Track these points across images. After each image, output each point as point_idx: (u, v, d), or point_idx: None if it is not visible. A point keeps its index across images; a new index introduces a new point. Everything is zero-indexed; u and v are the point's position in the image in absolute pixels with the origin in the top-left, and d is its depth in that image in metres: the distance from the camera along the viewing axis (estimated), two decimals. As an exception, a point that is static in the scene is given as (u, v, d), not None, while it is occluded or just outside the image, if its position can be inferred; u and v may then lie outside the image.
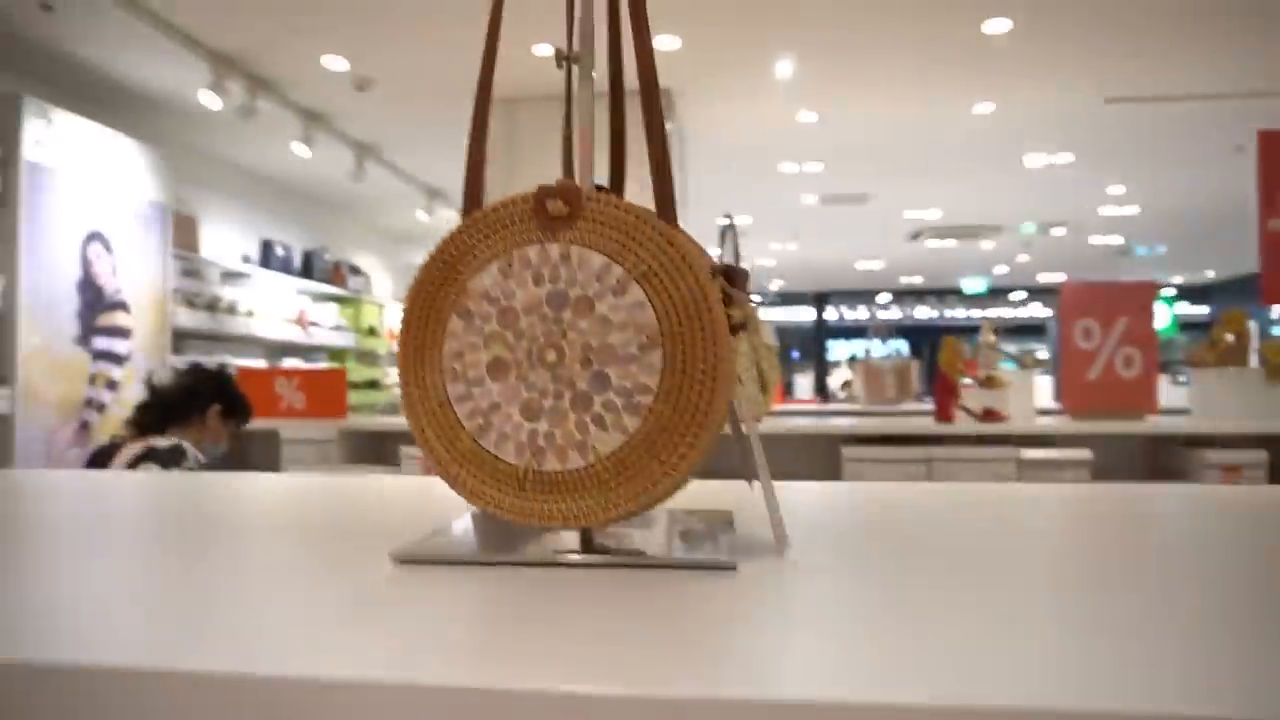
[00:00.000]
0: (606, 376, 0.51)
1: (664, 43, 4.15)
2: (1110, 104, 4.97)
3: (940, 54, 4.36)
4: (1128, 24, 4.03)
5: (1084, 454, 2.50)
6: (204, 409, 2.26)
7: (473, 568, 0.50)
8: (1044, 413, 3.24)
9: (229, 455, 2.42)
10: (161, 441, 2.12)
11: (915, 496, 0.82)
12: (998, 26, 4.01)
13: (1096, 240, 9.94)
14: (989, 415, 2.68)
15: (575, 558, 0.52)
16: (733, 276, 0.52)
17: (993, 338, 2.93)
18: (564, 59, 0.63)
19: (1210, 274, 13.27)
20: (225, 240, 6.17)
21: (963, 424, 2.68)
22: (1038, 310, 16.24)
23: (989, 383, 2.74)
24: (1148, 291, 2.87)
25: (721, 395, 0.49)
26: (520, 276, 0.52)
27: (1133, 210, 8.27)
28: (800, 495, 0.82)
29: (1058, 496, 0.83)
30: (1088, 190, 7.41)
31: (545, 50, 4.26)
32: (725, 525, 0.61)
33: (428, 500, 0.81)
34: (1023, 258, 11.38)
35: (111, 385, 4.31)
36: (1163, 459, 2.73)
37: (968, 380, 2.86)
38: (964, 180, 7.02)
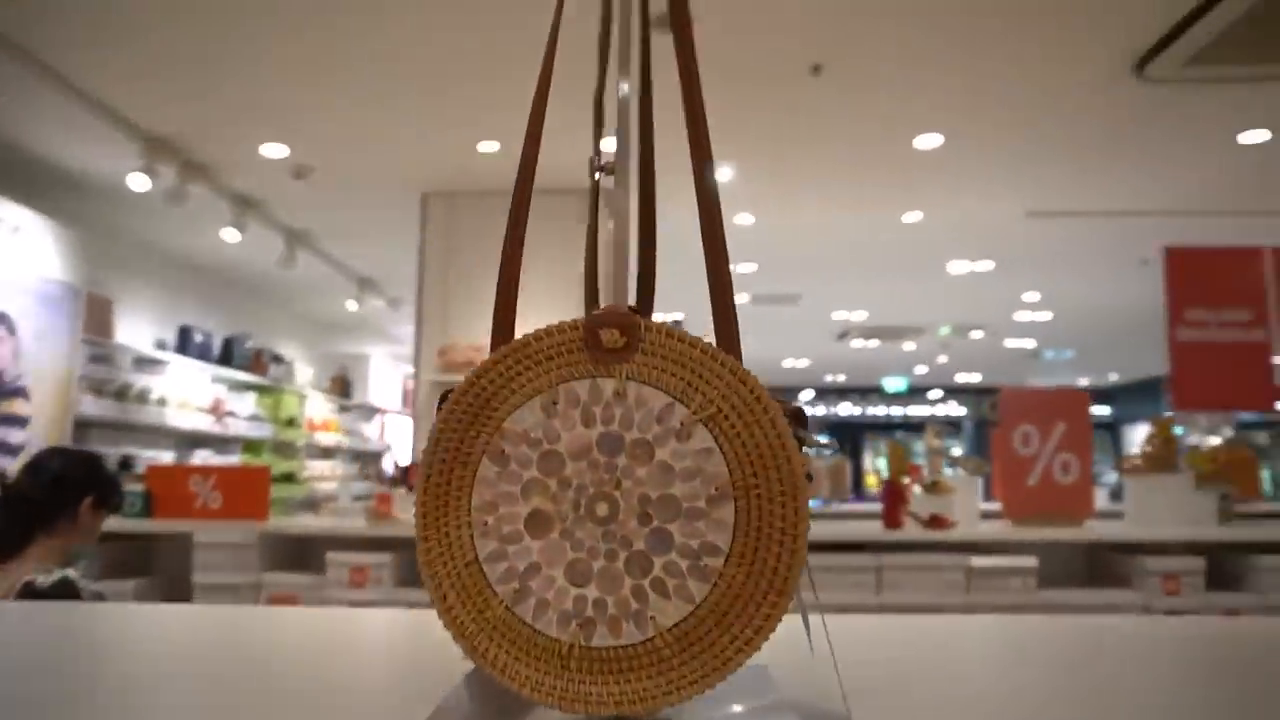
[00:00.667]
0: (669, 534, 0.43)
1: (604, 144, 4.21)
2: (1030, 217, 5.24)
3: (874, 165, 4.54)
4: (1049, 143, 4.28)
5: (1030, 561, 2.50)
6: (76, 503, 1.81)
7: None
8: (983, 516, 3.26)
9: (132, 562, 2.21)
10: (42, 577, 1.65)
11: (946, 630, 0.76)
12: (929, 142, 4.21)
13: (1011, 343, 10.36)
14: (935, 522, 2.67)
15: None
16: (802, 419, 0.47)
17: (937, 441, 2.95)
18: (599, 169, 0.58)
19: (1114, 377, 13.93)
20: (142, 325, 5.90)
21: (910, 531, 2.66)
22: (954, 409, 16.75)
23: (935, 488, 2.74)
24: (1082, 399, 2.95)
25: (801, 558, 0.43)
26: (567, 416, 0.45)
27: (1046, 316, 8.67)
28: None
29: (1099, 629, 0.78)
30: (1005, 296, 7.75)
31: (489, 146, 4.28)
32: (763, 680, 0.53)
33: (398, 646, 0.71)
34: (941, 358, 11.78)
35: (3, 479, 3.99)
36: (1103, 565, 2.75)
37: (907, 481, 2.86)
38: (890, 283, 7.26)
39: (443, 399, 0.47)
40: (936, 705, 0.56)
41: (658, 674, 0.43)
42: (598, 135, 0.59)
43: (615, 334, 0.45)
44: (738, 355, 0.46)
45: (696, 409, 0.44)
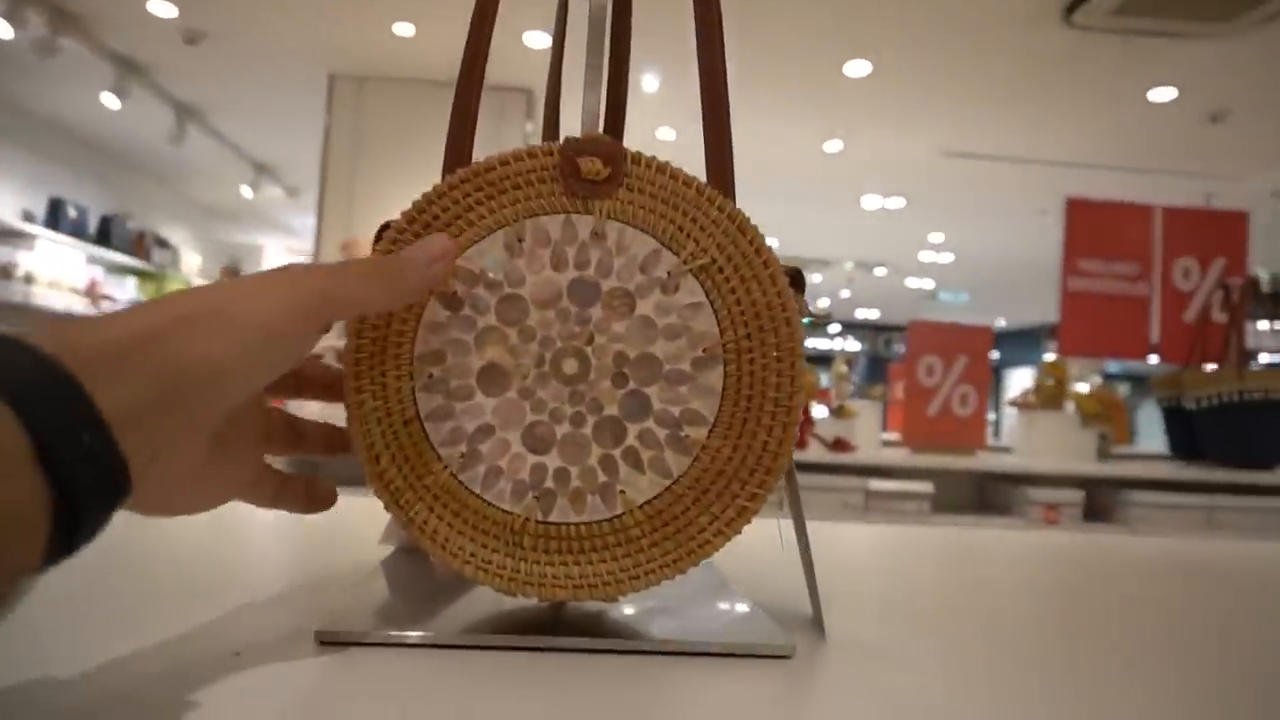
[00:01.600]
0: (646, 399, 0.38)
1: (532, 39, 4.00)
2: (946, 156, 5.30)
3: (803, 88, 4.48)
4: (971, 82, 4.30)
5: (926, 487, 2.59)
6: None
7: (428, 651, 0.35)
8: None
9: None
10: None
11: (916, 543, 0.74)
12: (858, 69, 4.16)
13: (912, 282, 10.66)
14: (839, 445, 2.72)
15: (575, 641, 0.37)
16: (799, 281, 0.41)
17: (844, 368, 2.99)
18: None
19: (1002, 322, 14.60)
20: (5, 194, 5.38)
21: (813, 452, 2.70)
22: (851, 344, 17.27)
23: (841, 412, 2.79)
24: (985, 336, 3.03)
25: (792, 433, 0.38)
26: (534, 256, 0.38)
27: (948, 257, 8.93)
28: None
29: (1047, 545, 0.78)
30: (912, 235, 7.91)
31: (405, 29, 4.01)
32: (719, 585, 0.48)
33: (296, 531, 0.64)
34: (844, 293, 12.04)
35: None
36: (990, 494, 2.88)
37: (819, 408, 2.90)
38: (805, 213, 7.30)
39: (381, 231, 0.39)
40: (910, 608, 0.53)
41: (624, 555, 0.37)
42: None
43: (597, 163, 0.38)
44: (732, 195, 0.40)
45: (687, 258, 0.38)
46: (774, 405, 0.37)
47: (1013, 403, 3.09)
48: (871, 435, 2.92)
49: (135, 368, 0.26)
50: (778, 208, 7.20)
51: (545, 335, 0.38)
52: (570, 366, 0.38)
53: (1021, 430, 3.09)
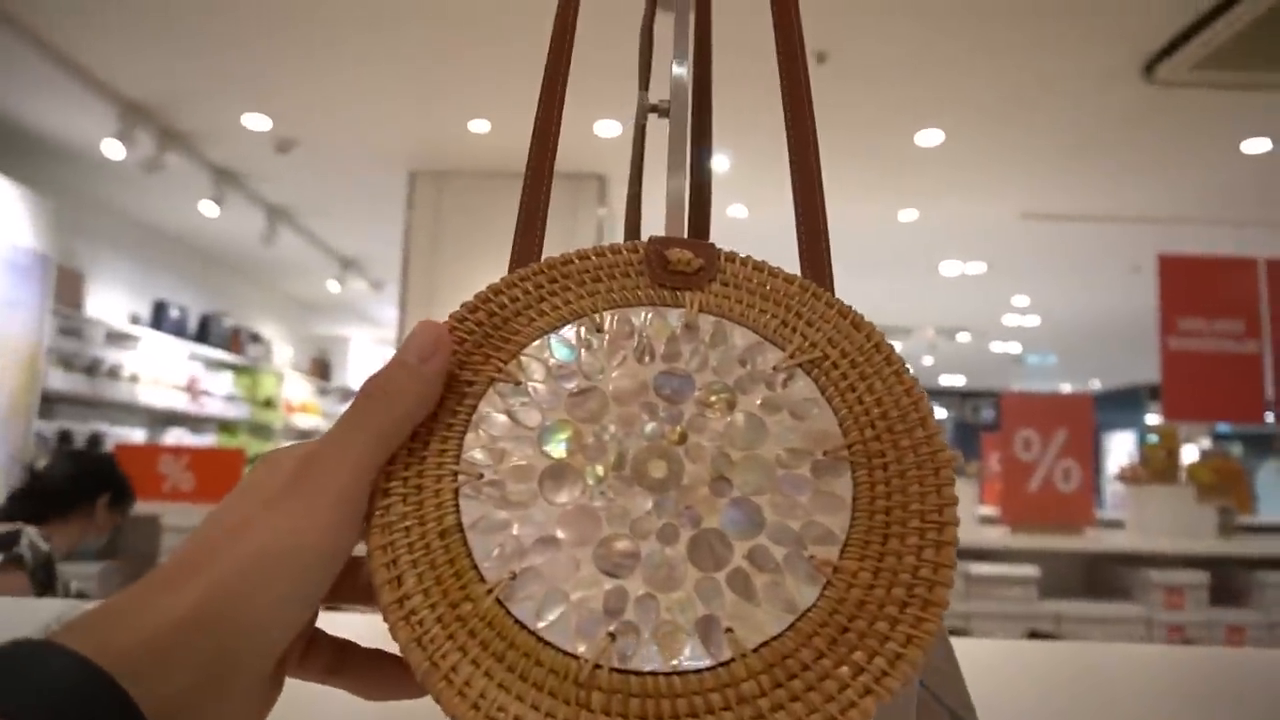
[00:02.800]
0: (756, 509, 0.30)
1: (603, 128, 4.10)
2: (1025, 218, 5.17)
3: (874, 159, 4.45)
4: (1049, 144, 4.21)
5: (1031, 570, 2.43)
6: (92, 499, 1.95)
7: None
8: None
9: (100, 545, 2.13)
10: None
11: (1111, 661, 0.66)
12: (930, 138, 4.12)
13: (996, 347, 10.35)
14: (934, 525, 2.59)
15: None
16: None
17: (935, 445, 2.87)
18: (652, 109, 0.47)
19: (1097, 384, 14.00)
20: (114, 299, 5.72)
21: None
22: (939, 413, 16.78)
23: (934, 491, 2.66)
24: (1085, 405, 2.88)
25: (949, 556, 0.29)
26: (616, 347, 0.32)
27: (1034, 320, 8.65)
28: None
29: None
30: (994, 299, 7.71)
31: (481, 126, 4.16)
32: None
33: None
34: (927, 360, 11.75)
35: (31, 467, 3.84)
36: (1103, 576, 2.69)
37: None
38: (882, 282, 7.19)
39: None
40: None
41: (732, 718, 0.27)
42: (645, 67, 0.49)
43: (688, 255, 0.33)
44: (831, 290, 0.36)
45: (795, 351, 0.32)
46: (920, 520, 0.30)
47: (1121, 477, 2.90)
48: (968, 514, 2.78)
49: (177, 662, 0.25)
50: (852, 279, 7.12)
51: (627, 433, 0.31)
52: (658, 469, 0.31)
53: (1133, 505, 2.90)
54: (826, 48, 3.40)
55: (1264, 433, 10.36)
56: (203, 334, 6.64)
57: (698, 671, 0.27)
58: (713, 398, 0.31)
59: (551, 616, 0.28)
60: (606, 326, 0.32)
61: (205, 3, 3.21)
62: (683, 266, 0.33)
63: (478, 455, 0.31)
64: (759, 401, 0.31)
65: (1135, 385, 12.34)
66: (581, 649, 0.28)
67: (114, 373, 5.41)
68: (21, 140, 4.48)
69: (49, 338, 4.58)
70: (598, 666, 0.27)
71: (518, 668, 0.27)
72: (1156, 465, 2.81)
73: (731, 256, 0.34)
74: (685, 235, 0.56)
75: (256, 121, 4.20)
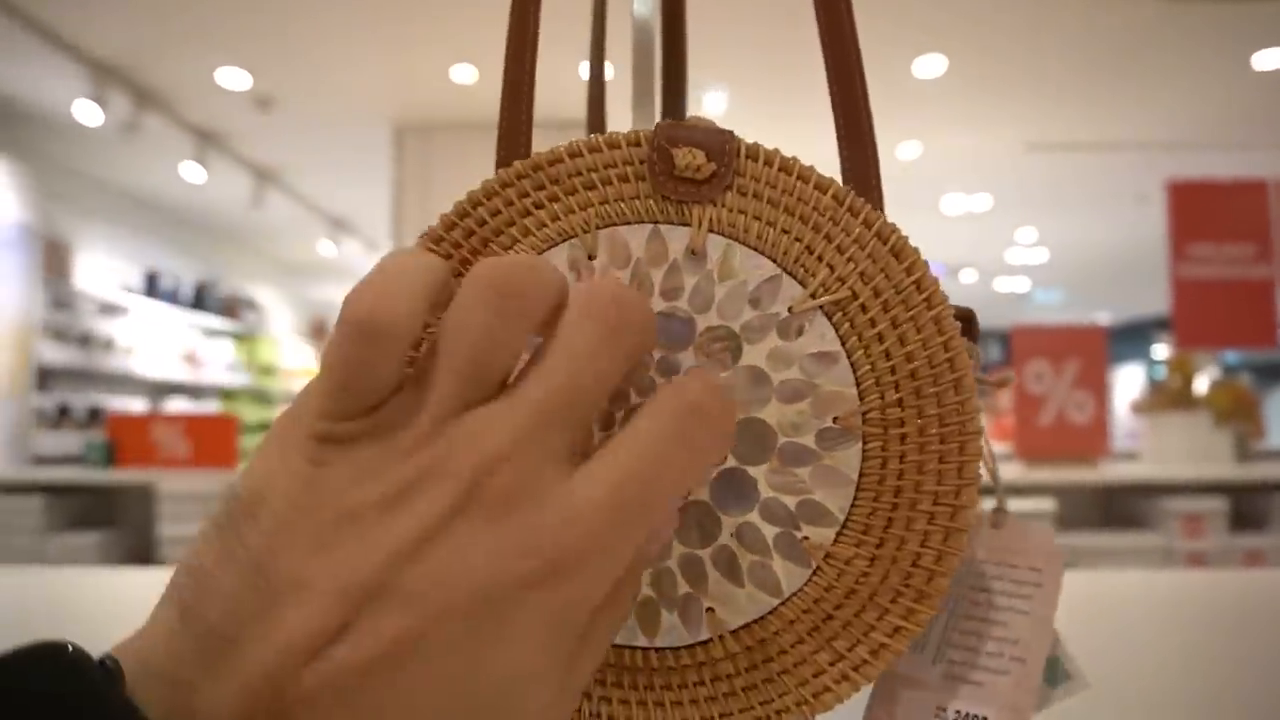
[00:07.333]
0: (750, 482, 0.26)
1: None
2: (1030, 150, 5.04)
3: (872, 91, 4.31)
4: (1054, 68, 4.07)
5: (1048, 504, 2.38)
6: None
7: None
8: (989, 458, 3.15)
9: (94, 515, 2.07)
10: None
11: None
12: (930, 67, 3.98)
13: (1002, 284, 10.25)
14: (945, 463, 2.53)
15: None
16: (971, 328, 0.28)
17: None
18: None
19: (1105, 317, 13.91)
20: (103, 269, 5.62)
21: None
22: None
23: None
24: (1097, 336, 2.81)
25: (959, 544, 0.25)
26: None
27: (1041, 255, 8.54)
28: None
29: None
30: (1000, 234, 7.59)
31: (468, 74, 4.03)
32: None
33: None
34: (931, 300, 11.66)
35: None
36: (1120, 507, 2.64)
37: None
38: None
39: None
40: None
41: (706, 698, 0.26)
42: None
43: (699, 156, 0.26)
44: (880, 204, 0.29)
45: (818, 290, 0.26)
46: (932, 503, 0.26)
47: (1135, 408, 2.83)
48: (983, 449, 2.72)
49: None
50: (854, 218, 7.01)
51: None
52: None
53: (1149, 434, 2.84)
54: (820, -27, 3.26)
55: (1273, 362, 10.27)
56: (199, 302, 6.56)
57: (675, 649, 0.27)
58: (714, 346, 0.27)
59: None
60: (600, 253, 0.27)
61: (169, -49, 3.08)
62: (691, 173, 0.27)
63: None
64: (766, 352, 0.26)
65: (1142, 318, 12.24)
66: None
67: (109, 344, 5.35)
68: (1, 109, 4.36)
69: (40, 311, 4.51)
70: None
71: None
72: (1172, 393, 2.74)
73: (754, 152, 0.27)
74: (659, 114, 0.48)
75: (233, 77, 4.07)
